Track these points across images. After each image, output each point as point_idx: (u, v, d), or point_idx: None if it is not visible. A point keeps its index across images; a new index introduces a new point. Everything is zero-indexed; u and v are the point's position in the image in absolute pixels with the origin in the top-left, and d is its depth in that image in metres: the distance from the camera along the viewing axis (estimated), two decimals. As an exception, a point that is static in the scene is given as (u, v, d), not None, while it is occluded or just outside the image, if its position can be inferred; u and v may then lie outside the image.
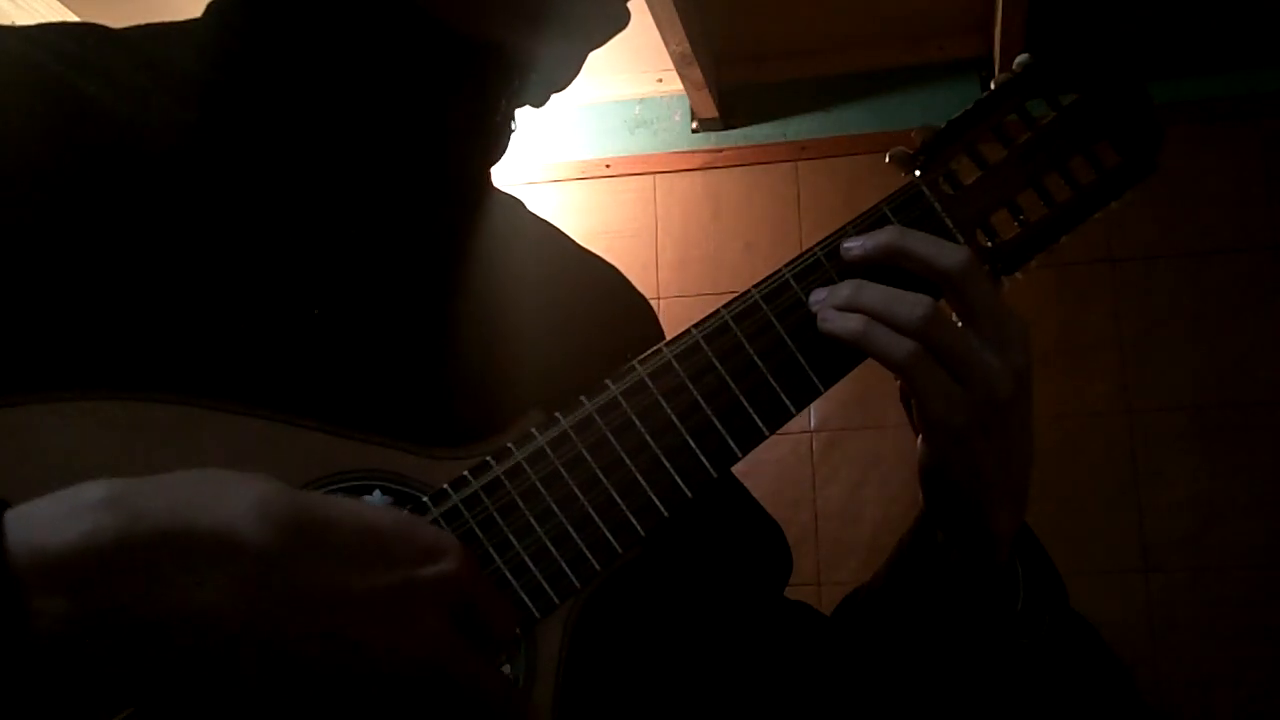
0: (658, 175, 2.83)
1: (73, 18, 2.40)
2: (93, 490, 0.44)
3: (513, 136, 0.71)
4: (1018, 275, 0.71)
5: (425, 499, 0.58)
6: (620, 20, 0.68)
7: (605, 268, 0.83)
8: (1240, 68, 2.62)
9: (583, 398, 0.62)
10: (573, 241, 0.83)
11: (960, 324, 0.65)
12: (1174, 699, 2.40)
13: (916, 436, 0.68)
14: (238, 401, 0.56)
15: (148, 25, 0.68)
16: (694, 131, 2.85)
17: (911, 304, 0.63)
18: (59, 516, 0.43)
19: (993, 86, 0.72)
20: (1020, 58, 0.72)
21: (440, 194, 0.69)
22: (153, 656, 0.42)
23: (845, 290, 0.65)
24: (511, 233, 0.75)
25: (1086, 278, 2.59)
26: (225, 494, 0.45)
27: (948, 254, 0.64)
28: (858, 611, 0.77)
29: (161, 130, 0.62)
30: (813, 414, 2.61)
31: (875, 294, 0.64)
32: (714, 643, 0.75)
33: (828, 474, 2.59)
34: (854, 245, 0.66)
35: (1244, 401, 2.50)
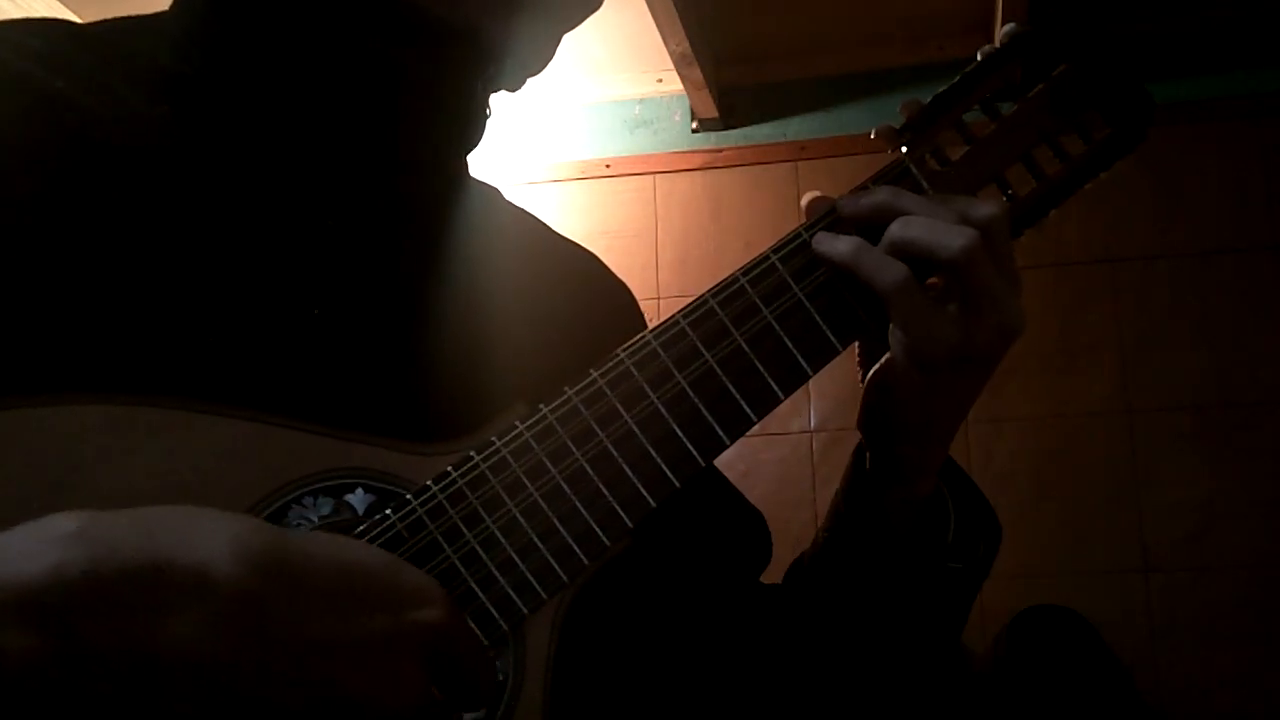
0: (658, 175, 2.82)
1: (73, 18, 2.40)
2: (63, 522, 0.42)
3: (488, 122, 0.71)
4: None
5: (408, 495, 0.57)
6: (593, 1, 0.67)
7: (583, 255, 0.83)
8: (1240, 68, 2.62)
9: (567, 388, 0.61)
10: (549, 229, 0.82)
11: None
12: (1174, 699, 2.40)
13: (870, 365, 0.70)
14: (223, 402, 0.55)
15: (115, 19, 0.67)
16: (694, 131, 2.85)
17: (955, 233, 0.64)
18: (27, 549, 0.41)
19: (979, 58, 0.70)
20: (1006, 28, 0.71)
21: (418, 184, 0.69)
22: (122, 695, 0.41)
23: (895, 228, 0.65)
24: (490, 222, 0.74)
25: (1086, 278, 2.59)
26: (201, 531, 0.44)
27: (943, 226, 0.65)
28: (805, 573, 0.78)
29: (134, 125, 0.61)
30: (813, 414, 2.61)
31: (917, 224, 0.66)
32: (700, 634, 0.75)
33: (828, 474, 2.59)
34: (849, 202, 0.67)
35: (1244, 402, 2.49)
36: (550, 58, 0.68)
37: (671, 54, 2.50)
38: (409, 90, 0.66)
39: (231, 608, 0.42)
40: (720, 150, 2.82)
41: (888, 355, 0.68)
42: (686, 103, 2.82)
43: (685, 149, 2.84)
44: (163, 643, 0.41)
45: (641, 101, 2.90)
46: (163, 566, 0.42)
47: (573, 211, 2.80)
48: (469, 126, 0.69)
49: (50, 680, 0.40)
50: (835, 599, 0.75)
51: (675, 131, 2.87)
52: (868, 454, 0.74)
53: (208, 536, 0.44)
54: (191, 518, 0.45)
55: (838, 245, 0.65)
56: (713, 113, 2.79)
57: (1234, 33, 2.62)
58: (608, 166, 2.85)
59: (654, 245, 2.79)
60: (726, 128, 2.83)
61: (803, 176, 2.73)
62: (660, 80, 2.83)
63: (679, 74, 2.60)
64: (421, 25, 0.64)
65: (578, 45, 2.68)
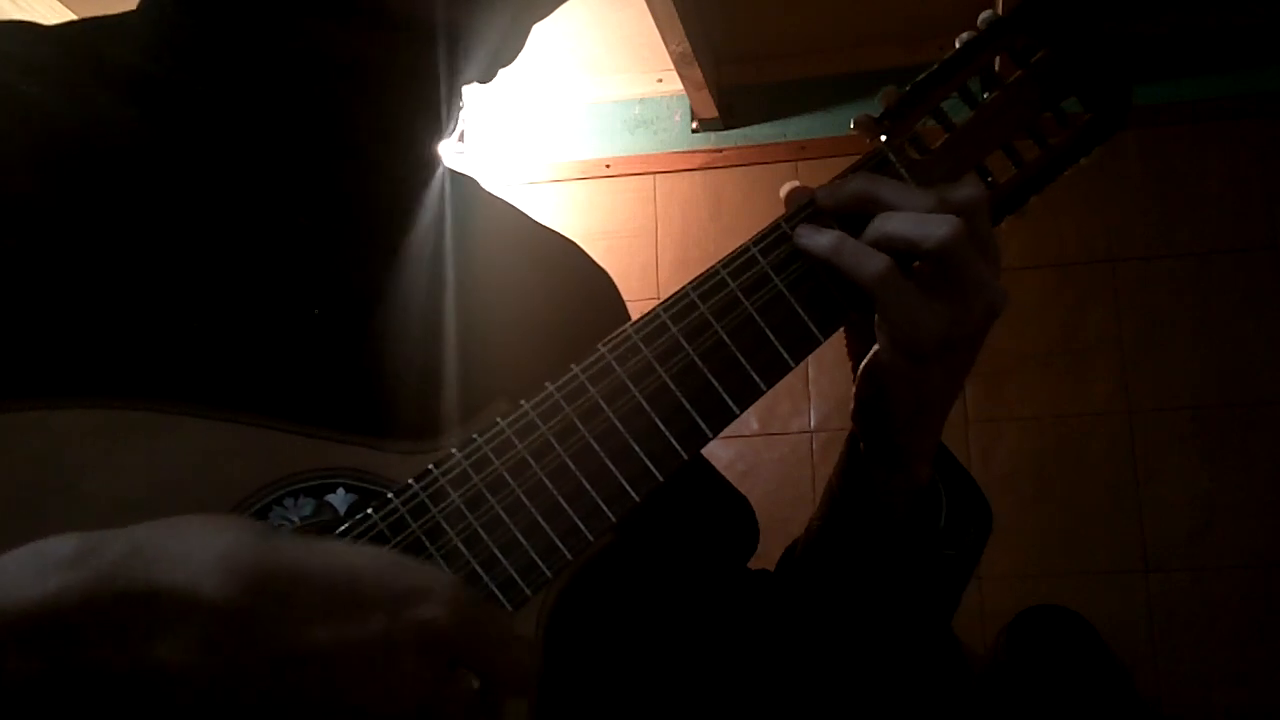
0: (658, 175, 2.83)
1: (72, 17, 2.40)
2: (60, 547, 0.44)
3: (461, 112, 0.71)
4: None
5: (390, 495, 0.57)
6: None
7: (563, 243, 0.83)
8: (1240, 68, 2.62)
9: (548, 384, 0.61)
10: (529, 217, 0.82)
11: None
12: (1174, 699, 2.40)
13: (859, 353, 0.71)
14: (206, 404, 0.55)
15: (84, 20, 0.67)
16: (694, 131, 2.85)
17: (937, 223, 0.64)
18: (26, 574, 0.43)
19: (957, 45, 0.70)
20: (984, 14, 0.70)
21: (388, 175, 0.69)
22: (119, 715, 0.42)
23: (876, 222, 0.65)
24: (468, 213, 0.74)
25: (1086, 278, 2.59)
26: (192, 548, 0.45)
27: (920, 198, 0.66)
28: (799, 561, 0.78)
29: (106, 127, 0.61)
30: (813, 414, 2.61)
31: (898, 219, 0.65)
32: (688, 623, 0.75)
33: (827, 473, 2.58)
34: (827, 193, 0.67)
35: (1244, 401, 2.49)
36: (520, 49, 0.68)
37: (671, 54, 2.50)
38: (373, 82, 0.66)
39: (218, 626, 0.43)
40: (720, 150, 2.82)
41: (876, 346, 0.68)
42: (686, 103, 2.83)
43: (685, 149, 2.84)
44: (156, 663, 0.42)
45: (641, 101, 2.90)
46: (156, 589, 0.43)
47: (573, 211, 2.80)
48: (437, 117, 0.69)
49: (50, 701, 0.41)
50: (829, 585, 0.75)
51: (675, 131, 2.87)
52: (861, 442, 0.74)
53: (198, 554, 0.44)
54: (183, 535, 0.45)
55: (819, 239, 0.65)
56: (713, 113, 2.79)
57: (1235, 33, 2.62)
58: (608, 166, 2.85)
59: (654, 245, 2.79)
60: (726, 128, 2.83)
61: (803, 176, 2.72)
62: (660, 80, 2.83)
63: (679, 74, 2.60)
64: (383, 17, 0.64)
65: (578, 45, 2.68)
